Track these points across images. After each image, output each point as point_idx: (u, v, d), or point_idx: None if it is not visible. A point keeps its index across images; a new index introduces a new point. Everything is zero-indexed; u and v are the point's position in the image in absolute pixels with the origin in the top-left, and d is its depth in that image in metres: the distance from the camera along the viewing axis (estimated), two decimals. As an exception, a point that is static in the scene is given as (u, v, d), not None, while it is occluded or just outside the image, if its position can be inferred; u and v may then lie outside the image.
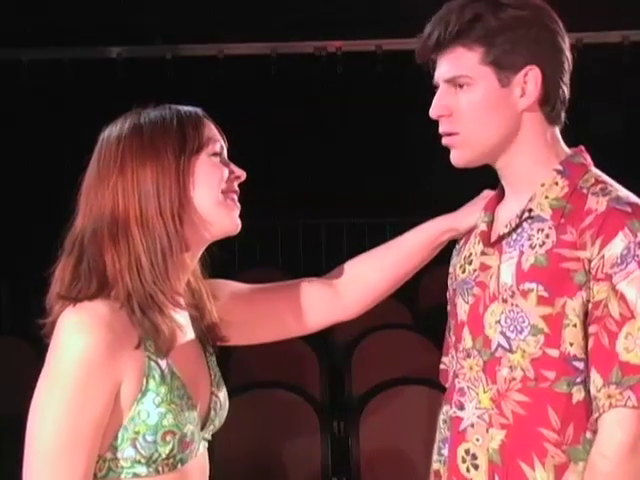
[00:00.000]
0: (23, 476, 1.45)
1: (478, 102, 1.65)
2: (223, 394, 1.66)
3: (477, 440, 1.66)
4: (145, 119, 1.55)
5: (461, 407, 1.69)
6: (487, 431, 1.65)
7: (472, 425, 1.67)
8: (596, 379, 1.58)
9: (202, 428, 1.58)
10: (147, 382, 1.48)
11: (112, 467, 1.48)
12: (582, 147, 1.73)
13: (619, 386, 1.55)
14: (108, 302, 1.48)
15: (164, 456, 1.48)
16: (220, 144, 1.61)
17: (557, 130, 1.71)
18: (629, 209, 1.59)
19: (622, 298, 1.56)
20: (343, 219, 7.19)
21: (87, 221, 1.52)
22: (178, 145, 1.53)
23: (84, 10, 6.26)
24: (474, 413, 1.67)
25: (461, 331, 1.72)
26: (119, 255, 1.50)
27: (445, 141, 1.70)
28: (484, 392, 1.66)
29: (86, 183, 1.55)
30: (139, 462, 1.47)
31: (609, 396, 1.55)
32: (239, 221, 1.62)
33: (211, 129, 1.60)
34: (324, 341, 5.12)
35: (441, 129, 1.69)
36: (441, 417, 1.75)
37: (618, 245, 1.56)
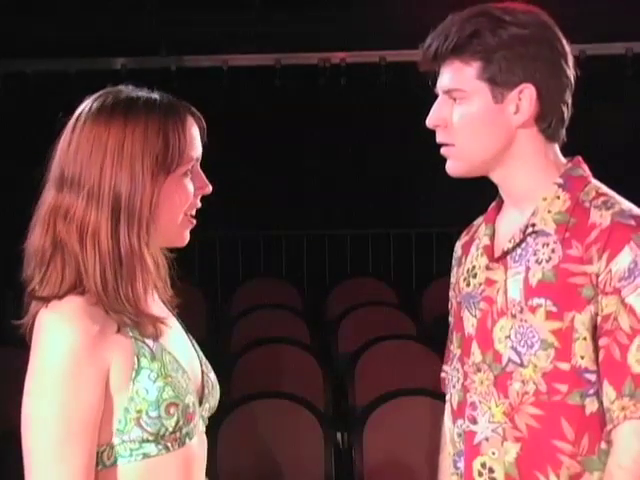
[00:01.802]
0: (25, 478, 1.44)
1: (472, 116, 1.66)
2: (213, 375, 1.66)
3: (493, 453, 1.67)
4: (130, 121, 1.50)
5: (474, 421, 1.70)
6: (502, 444, 1.66)
7: (487, 439, 1.68)
8: (609, 391, 1.59)
9: (199, 405, 1.59)
10: (139, 360, 1.48)
11: (120, 452, 1.48)
12: (580, 158, 1.74)
13: (632, 398, 1.56)
14: (82, 297, 1.47)
15: (171, 429, 1.48)
16: (196, 157, 1.56)
17: (556, 146, 1.72)
18: (633, 222, 1.61)
19: (631, 311, 1.58)
20: (347, 229, 7.19)
21: (60, 201, 1.50)
22: (158, 162, 1.50)
23: (88, 22, 6.29)
24: (488, 427, 1.68)
25: (469, 345, 1.73)
26: (86, 260, 1.48)
27: (442, 151, 1.72)
28: (496, 406, 1.67)
29: (61, 158, 1.52)
30: (147, 440, 1.47)
31: (623, 408, 1.57)
32: (188, 236, 1.59)
33: (192, 140, 1.55)
34: (328, 352, 5.12)
35: (437, 139, 1.71)
36: (455, 430, 1.74)
37: (625, 259, 1.58)
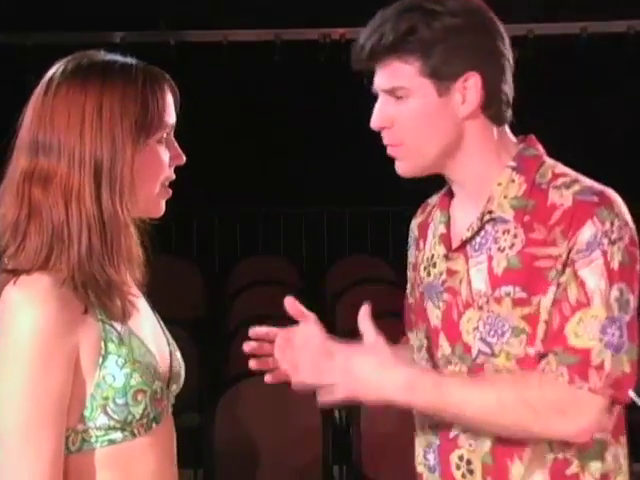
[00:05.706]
0: None
1: (418, 113, 1.63)
2: (179, 355, 1.64)
3: (470, 445, 1.66)
4: (107, 84, 1.47)
5: None
6: (479, 435, 1.64)
7: (464, 431, 1.66)
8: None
9: (167, 387, 1.57)
10: (106, 346, 1.45)
11: (85, 438, 1.45)
12: (533, 136, 1.71)
13: (560, 363, 1.54)
14: (50, 276, 1.43)
15: (138, 417, 1.46)
16: (171, 123, 1.54)
17: (505, 128, 1.69)
18: (596, 199, 1.58)
19: (582, 284, 1.55)
20: (346, 207, 7.18)
21: (35, 166, 1.46)
22: (137, 126, 1.47)
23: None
24: None
25: (437, 337, 1.71)
26: (72, 225, 1.45)
27: (389, 152, 1.68)
28: None
29: (33, 122, 1.48)
30: (113, 428, 1.45)
31: (548, 363, 1.56)
32: (164, 207, 1.57)
33: (168, 106, 1.53)
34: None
35: (384, 140, 1.68)
36: (426, 422, 1.72)
37: (586, 233, 1.56)
